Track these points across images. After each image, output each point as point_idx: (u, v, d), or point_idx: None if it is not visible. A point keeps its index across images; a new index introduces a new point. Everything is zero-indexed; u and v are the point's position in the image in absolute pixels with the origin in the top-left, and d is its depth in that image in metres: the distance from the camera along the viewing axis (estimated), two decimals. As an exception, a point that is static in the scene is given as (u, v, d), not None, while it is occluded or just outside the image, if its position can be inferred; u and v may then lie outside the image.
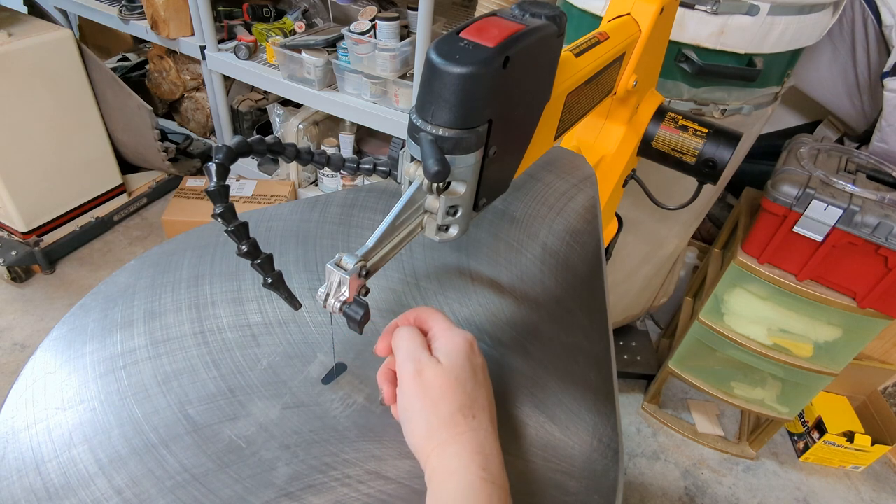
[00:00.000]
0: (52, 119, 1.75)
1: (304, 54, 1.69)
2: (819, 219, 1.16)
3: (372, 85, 1.65)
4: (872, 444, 1.51)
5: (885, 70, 1.30)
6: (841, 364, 1.34)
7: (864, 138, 1.51)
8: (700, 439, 1.63)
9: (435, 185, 0.40)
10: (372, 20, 1.54)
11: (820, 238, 1.18)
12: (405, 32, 1.58)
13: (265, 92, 2.22)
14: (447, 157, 0.37)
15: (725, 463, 1.60)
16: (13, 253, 1.79)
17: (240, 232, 0.39)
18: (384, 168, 0.51)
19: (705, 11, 0.99)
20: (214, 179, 0.37)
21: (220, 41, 1.95)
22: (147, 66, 2.32)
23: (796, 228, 1.19)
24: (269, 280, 0.42)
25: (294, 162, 0.44)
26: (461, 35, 0.36)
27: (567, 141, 0.83)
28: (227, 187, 0.38)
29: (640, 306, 1.69)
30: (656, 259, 1.52)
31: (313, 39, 1.71)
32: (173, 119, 2.50)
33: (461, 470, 0.36)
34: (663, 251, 1.50)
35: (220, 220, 0.38)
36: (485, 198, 0.44)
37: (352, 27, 1.56)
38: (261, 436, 0.44)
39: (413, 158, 0.40)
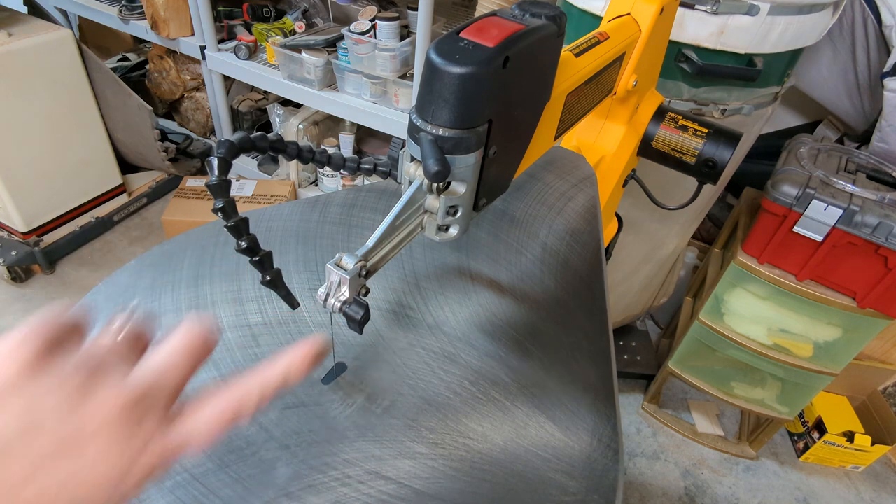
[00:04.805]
0: (52, 119, 1.74)
1: (304, 54, 1.69)
2: (819, 219, 1.16)
3: (372, 85, 1.65)
4: (872, 444, 1.51)
5: (885, 70, 1.30)
6: (841, 364, 1.34)
7: (864, 138, 1.51)
8: (700, 439, 1.63)
9: (435, 185, 0.40)
10: (372, 20, 1.54)
11: (820, 238, 1.18)
12: (405, 32, 1.58)
13: (265, 92, 2.22)
14: (447, 157, 0.37)
15: (725, 463, 1.59)
16: (13, 253, 1.79)
17: (240, 227, 0.39)
18: (384, 168, 0.51)
19: (705, 11, 0.99)
20: (216, 173, 0.37)
21: (220, 41, 1.95)
22: (147, 66, 2.32)
23: (796, 228, 1.19)
24: (268, 277, 0.42)
25: (294, 161, 0.44)
26: (461, 35, 0.36)
27: (567, 141, 0.83)
28: (229, 182, 0.38)
29: (640, 306, 1.69)
30: (656, 259, 1.52)
31: (313, 39, 1.71)
32: (173, 119, 2.50)
33: None
34: (663, 251, 1.50)
35: (220, 214, 0.38)
36: (485, 198, 0.44)
37: (352, 27, 1.55)
38: (261, 436, 0.44)
39: (413, 158, 0.40)
